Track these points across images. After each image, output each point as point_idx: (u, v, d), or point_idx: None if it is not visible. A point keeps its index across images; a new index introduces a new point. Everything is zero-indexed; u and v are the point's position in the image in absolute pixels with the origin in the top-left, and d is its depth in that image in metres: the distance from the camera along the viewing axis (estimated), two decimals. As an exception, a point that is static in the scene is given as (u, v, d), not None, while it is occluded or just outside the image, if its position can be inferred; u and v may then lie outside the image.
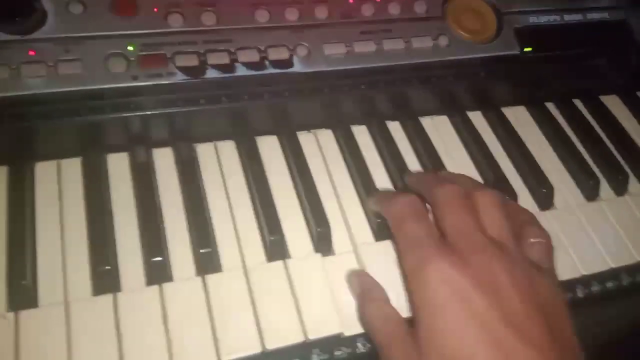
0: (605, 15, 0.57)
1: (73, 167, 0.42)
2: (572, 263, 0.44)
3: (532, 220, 0.39)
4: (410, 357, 0.33)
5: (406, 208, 0.37)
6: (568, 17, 0.55)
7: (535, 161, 0.50)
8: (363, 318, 0.38)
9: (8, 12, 0.40)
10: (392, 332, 0.35)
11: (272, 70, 0.45)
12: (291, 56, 0.45)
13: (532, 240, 0.37)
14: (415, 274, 0.33)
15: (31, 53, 0.40)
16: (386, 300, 0.38)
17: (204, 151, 0.46)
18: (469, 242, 0.34)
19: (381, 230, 0.42)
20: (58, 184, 0.42)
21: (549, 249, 0.37)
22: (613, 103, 0.58)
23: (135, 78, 0.42)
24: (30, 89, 0.39)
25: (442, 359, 0.31)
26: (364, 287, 0.39)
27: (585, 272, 0.44)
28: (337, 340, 0.38)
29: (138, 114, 0.42)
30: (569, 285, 0.44)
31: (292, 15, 0.47)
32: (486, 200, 0.36)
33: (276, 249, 0.40)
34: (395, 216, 0.38)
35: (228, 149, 0.46)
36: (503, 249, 0.34)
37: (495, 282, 0.32)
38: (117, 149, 0.44)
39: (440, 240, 0.34)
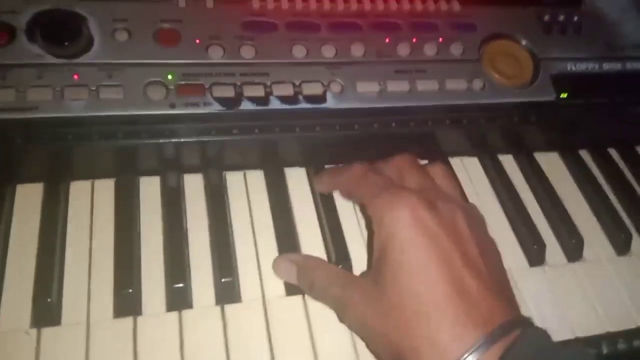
0: (644, 65, 0.56)
1: (106, 188, 0.44)
2: (598, 318, 0.43)
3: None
4: (369, 296, 0.35)
5: (362, 167, 0.41)
6: (607, 66, 0.55)
7: (565, 210, 0.49)
8: (312, 286, 0.39)
9: (58, 37, 0.42)
10: (346, 282, 0.37)
11: (304, 105, 0.45)
12: (325, 92, 0.46)
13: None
14: (386, 211, 0.35)
15: (75, 77, 0.42)
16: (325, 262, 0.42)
17: (233, 179, 0.47)
18: (431, 192, 0.38)
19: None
20: (91, 203, 0.43)
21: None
22: (650, 154, 0.57)
23: (172, 106, 0.43)
24: (71, 112, 0.41)
25: (406, 294, 0.33)
26: (299, 261, 0.40)
27: (611, 329, 0.43)
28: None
29: (173, 140, 0.43)
30: (594, 341, 0.42)
31: (328, 52, 0.47)
32: (436, 169, 0.42)
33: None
34: (353, 176, 0.41)
35: (256, 178, 0.47)
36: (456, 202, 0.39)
37: (457, 226, 0.36)
38: (149, 172, 0.45)
39: (407, 186, 0.38)
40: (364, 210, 0.42)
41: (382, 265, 0.35)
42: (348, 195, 0.44)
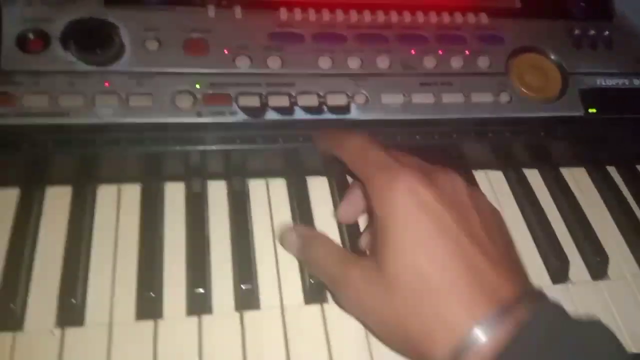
0: (677, 82, 0.55)
1: (132, 192, 0.44)
2: (622, 338, 0.42)
3: None
4: (371, 277, 0.34)
5: (365, 141, 0.39)
6: (637, 82, 0.54)
7: (590, 226, 0.48)
8: (310, 260, 0.39)
9: (90, 45, 0.43)
10: (347, 260, 0.36)
11: (329, 116, 0.46)
12: (349, 103, 0.46)
13: None
14: (385, 191, 0.34)
15: (106, 84, 0.43)
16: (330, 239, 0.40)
17: (256, 187, 0.47)
18: (429, 167, 0.37)
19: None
20: (117, 206, 0.44)
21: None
22: (680, 172, 0.55)
23: (199, 114, 0.43)
24: (101, 118, 0.42)
25: (410, 271, 0.32)
26: (306, 235, 0.41)
27: (636, 349, 0.42)
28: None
29: (198, 148, 0.44)
30: (618, 362, 0.41)
31: (354, 63, 0.48)
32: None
33: (315, 292, 0.41)
34: (355, 148, 0.39)
35: (279, 186, 0.47)
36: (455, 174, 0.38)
37: (460, 201, 0.35)
38: (175, 178, 0.46)
39: (406, 163, 0.37)
40: (363, 187, 0.40)
41: (383, 245, 0.34)
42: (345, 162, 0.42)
